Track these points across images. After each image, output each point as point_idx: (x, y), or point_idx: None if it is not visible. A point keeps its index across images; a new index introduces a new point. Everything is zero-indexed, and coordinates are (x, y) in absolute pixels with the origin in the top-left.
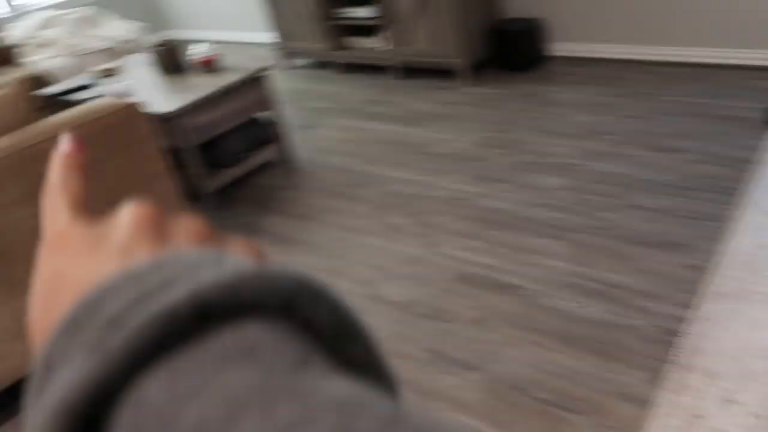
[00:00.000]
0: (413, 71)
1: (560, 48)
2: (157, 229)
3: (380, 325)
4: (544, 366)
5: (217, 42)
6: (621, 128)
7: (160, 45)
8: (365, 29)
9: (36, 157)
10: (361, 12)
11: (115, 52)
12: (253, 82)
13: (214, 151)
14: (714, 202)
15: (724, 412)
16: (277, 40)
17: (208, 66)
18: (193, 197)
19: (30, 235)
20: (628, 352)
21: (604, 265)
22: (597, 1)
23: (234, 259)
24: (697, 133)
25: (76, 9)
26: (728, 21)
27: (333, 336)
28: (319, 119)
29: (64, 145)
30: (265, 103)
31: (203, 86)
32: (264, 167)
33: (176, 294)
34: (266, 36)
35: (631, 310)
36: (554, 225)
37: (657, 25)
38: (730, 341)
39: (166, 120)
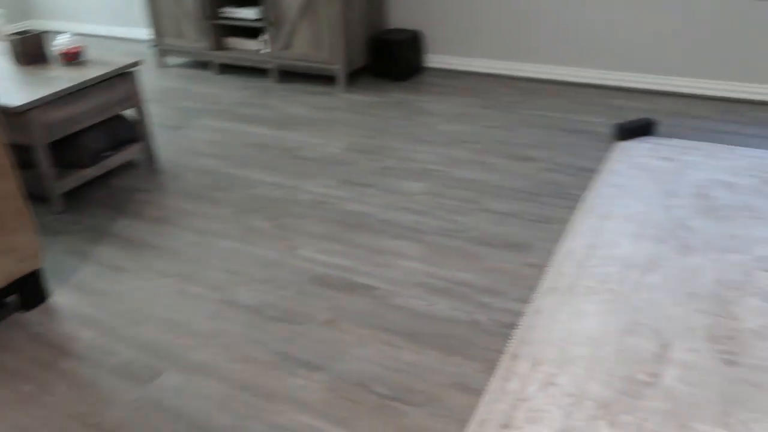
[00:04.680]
0: (292, 75)
1: (436, 60)
2: None
3: (230, 329)
4: (389, 363)
5: (88, 35)
6: (483, 138)
7: (18, 33)
8: (247, 30)
9: None
10: (245, 13)
11: None
12: (119, 78)
13: (69, 149)
14: (557, 207)
15: (543, 393)
16: (153, 36)
17: (71, 59)
18: (41, 198)
19: None
20: (468, 346)
21: (453, 265)
22: (471, 19)
23: None
24: (550, 144)
25: None
26: (587, 44)
27: None
28: (189, 120)
29: None
30: (131, 100)
31: (61, 80)
32: (125, 168)
33: None
34: (141, 32)
35: (475, 306)
36: (411, 227)
37: (524, 44)
38: (557, 331)
39: (14, 114)
